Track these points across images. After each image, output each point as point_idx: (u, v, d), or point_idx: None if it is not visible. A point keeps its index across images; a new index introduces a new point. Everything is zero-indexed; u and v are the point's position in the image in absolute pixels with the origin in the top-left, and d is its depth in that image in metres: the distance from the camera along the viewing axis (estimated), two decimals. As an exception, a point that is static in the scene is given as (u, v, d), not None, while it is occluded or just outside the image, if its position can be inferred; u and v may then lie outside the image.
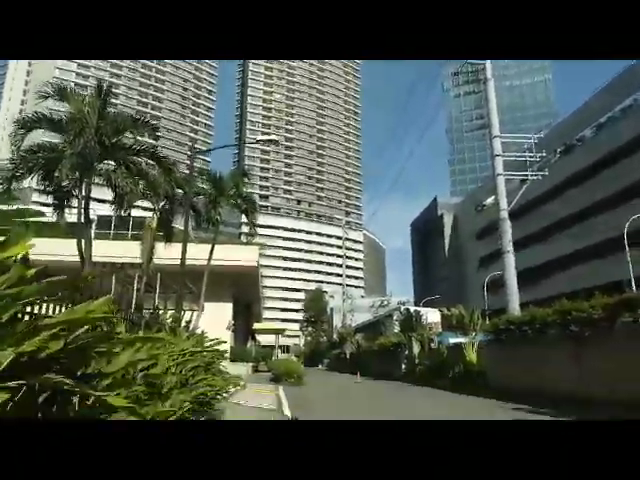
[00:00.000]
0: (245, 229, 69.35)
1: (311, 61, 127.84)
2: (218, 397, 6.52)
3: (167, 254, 19.51)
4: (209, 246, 21.43)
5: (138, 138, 12.91)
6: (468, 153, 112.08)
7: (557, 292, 25.98)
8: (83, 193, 12.48)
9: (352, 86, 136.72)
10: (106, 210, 23.95)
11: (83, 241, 13.16)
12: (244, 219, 71.12)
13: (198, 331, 7.99)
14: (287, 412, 9.44)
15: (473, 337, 19.09)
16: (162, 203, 15.47)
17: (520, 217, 31.15)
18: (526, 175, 19.29)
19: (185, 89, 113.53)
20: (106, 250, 20.32)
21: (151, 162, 13.39)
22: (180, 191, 15.56)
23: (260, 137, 24.65)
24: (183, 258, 10.77)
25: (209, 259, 18.05)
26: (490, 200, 46.09)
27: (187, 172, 14.22)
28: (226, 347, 21.42)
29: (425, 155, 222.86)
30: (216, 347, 7.05)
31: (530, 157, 19.24)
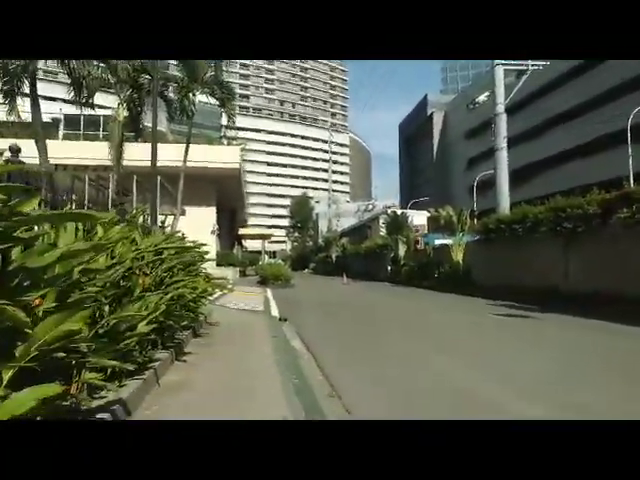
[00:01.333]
0: (228, 134, 66.21)
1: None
2: (202, 300, 6.11)
3: (142, 154, 18.39)
4: (189, 147, 20.23)
5: None
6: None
7: (550, 191, 25.69)
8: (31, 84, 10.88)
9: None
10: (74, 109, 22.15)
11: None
12: (224, 122, 67.55)
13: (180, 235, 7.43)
14: (275, 313, 9.26)
15: (460, 238, 19.01)
16: (128, 92, 13.81)
17: (515, 113, 29.61)
18: (526, 66, 17.89)
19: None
20: (78, 151, 19.01)
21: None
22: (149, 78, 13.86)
23: None
24: (154, 157, 9.75)
25: (185, 157, 16.62)
26: (483, 97, 44.11)
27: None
28: (211, 251, 21.24)
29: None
30: (198, 249, 6.51)
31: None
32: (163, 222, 9.25)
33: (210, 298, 10.13)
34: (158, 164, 17.78)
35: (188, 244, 6.60)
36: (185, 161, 16.10)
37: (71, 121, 22.38)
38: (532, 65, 17.74)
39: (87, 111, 13.88)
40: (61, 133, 22.55)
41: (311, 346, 5.70)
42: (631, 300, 9.07)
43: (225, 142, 34.06)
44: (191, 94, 15.63)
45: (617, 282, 9.96)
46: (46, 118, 25.12)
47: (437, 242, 23.86)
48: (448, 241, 20.55)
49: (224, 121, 74.31)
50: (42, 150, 11.05)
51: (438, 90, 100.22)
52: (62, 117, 22.96)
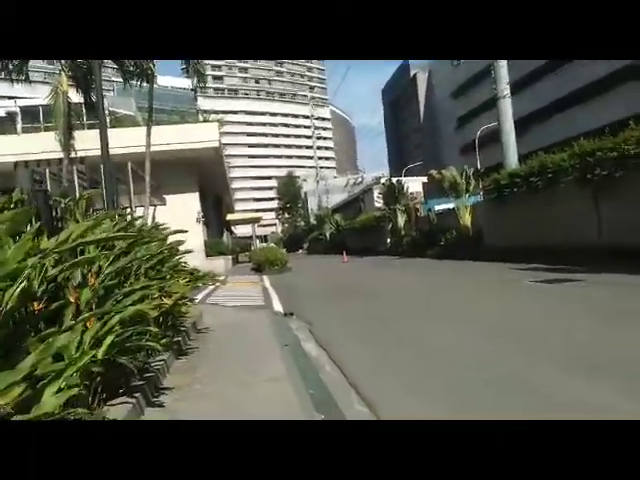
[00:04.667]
0: (201, 105, 62.67)
1: None
2: (181, 305, 4.60)
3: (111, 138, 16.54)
4: (161, 128, 18.38)
5: None
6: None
7: (550, 142, 24.20)
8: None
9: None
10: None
11: None
12: (201, 106, 64.60)
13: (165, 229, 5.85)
14: (278, 307, 7.77)
15: (466, 199, 17.58)
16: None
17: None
18: None
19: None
20: (39, 144, 17.09)
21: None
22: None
23: None
24: (103, 138, 7.91)
25: (148, 131, 14.30)
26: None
27: None
28: (198, 240, 19.64)
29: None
30: (173, 239, 4.96)
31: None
32: (128, 215, 7.62)
33: (198, 297, 8.66)
34: (128, 150, 16.07)
35: (158, 233, 5.05)
36: (149, 137, 13.97)
37: (30, 113, 20.32)
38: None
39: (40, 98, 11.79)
40: (19, 127, 20.52)
41: (335, 353, 4.25)
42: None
43: (201, 119, 31.86)
44: None
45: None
46: (1, 112, 23.13)
47: (438, 207, 22.60)
48: (450, 205, 19.23)
49: (201, 105, 71.48)
50: None
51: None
52: (18, 110, 20.91)
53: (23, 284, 1.80)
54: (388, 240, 26.24)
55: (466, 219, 17.24)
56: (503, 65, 15.87)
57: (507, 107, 15.95)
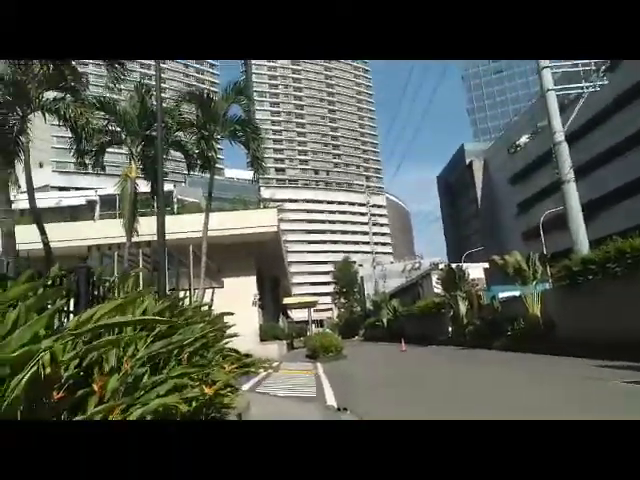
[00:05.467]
0: (264, 194, 65.84)
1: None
2: (224, 396, 4.23)
3: (173, 226, 17.45)
4: (223, 214, 19.27)
5: None
6: (487, 100, 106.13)
7: (619, 229, 22.78)
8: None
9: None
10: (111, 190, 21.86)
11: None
12: (263, 195, 68.30)
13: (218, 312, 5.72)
14: (331, 400, 7.16)
15: (534, 286, 16.43)
16: (139, 145, 12.56)
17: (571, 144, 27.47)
18: (581, 88, 16.13)
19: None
20: (113, 229, 18.30)
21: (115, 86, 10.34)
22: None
23: None
24: (160, 223, 8.08)
25: (206, 217, 14.83)
26: (524, 139, 42.31)
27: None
28: (253, 325, 19.51)
29: (442, 108, 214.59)
30: (218, 321, 4.76)
31: (585, 66, 16.01)
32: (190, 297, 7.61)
33: (248, 384, 8.25)
34: (191, 235, 16.79)
35: (205, 315, 4.87)
36: (207, 220, 14.46)
37: (108, 201, 22.22)
38: (587, 88, 15.89)
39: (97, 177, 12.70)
40: (97, 214, 22.35)
41: None
42: None
43: (262, 206, 33.39)
44: (209, 136, 13.98)
45: None
46: (81, 201, 25.48)
47: (502, 295, 21.40)
48: (516, 292, 18.06)
49: (263, 195, 75.60)
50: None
51: (469, 136, 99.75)
52: (98, 198, 22.93)
53: (33, 370, 1.57)
54: (449, 328, 24.82)
55: (535, 308, 15.98)
56: (565, 148, 15.52)
57: (572, 191, 15.31)
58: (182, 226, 17.14)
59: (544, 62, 15.73)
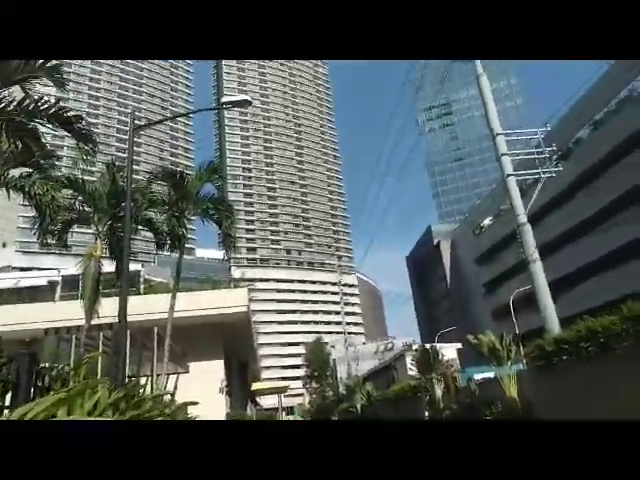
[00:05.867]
0: (235, 274, 65.08)
1: (287, 104, 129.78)
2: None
3: (139, 307, 16.66)
4: (192, 294, 18.67)
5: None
6: (451, 184, 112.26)
7: (590, 305, 23.29)
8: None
9: (328, 131, 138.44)
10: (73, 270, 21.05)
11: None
12: (234, 275, 67.50)
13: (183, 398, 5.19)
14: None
15: (509, 367, 16.17)
16: (107, 223, 12.19)
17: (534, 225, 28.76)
18: (537, 174, 17.19)
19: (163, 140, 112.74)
20: (73, 311, 17.35)
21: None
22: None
23: (226, 99, 11.56)
24: (122, 302, 7.69)
25: (173, 295, 14.38)
26: (487, 221, 44.22)
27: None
28: (220, 414, 18.16)
29: (411, 191, 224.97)
30: (180, 413, 4.29)
31: (539, 154, 17.19)
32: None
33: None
34: (158, 316, 16.05)
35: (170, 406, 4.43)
36: (172, 305, 13.87)
37: (70, 282, 21.33)
38: (544, 174, 16.96)
39: (62, 257, 12.25)
40: (58, 295, 21.32)
41: None
42: None
43: (232, 286, 32.77)
44: (180, 214, 13.73)
45: None
46: (43, 282, 24.41)
47: (477, 377, 20.98)
48: (491, 374, 17.71)
49: (234, 274, 74.82)
50: None
51: (435, 218, 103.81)
52: (60, 278, 22.03)
53: None
54: (426, 413, 23.82)
55: (512, 390, 15.58)
56: (528, 229, 16.15)
57: (539, 270, 15.71)
58: (148, 307, 16.44)
59: (503, 149, 16.85)
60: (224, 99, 9.95)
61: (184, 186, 13.52)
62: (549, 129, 18.02)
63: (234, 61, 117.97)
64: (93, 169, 12.90)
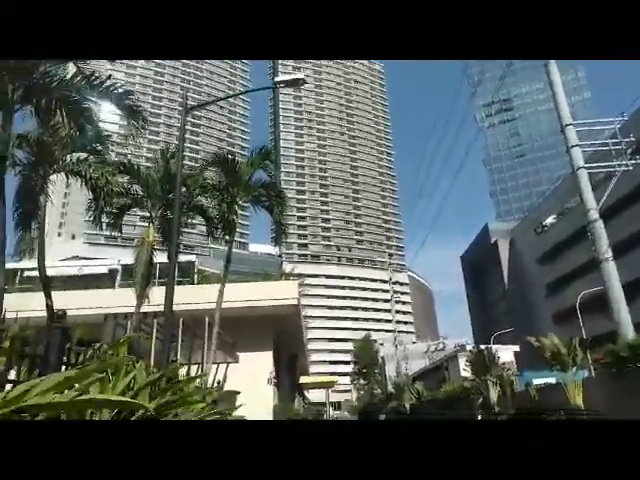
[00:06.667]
0: (286, 269, 65.49)
1: (341, 101, 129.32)
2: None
3: (193, 296, 16.94)
4: (243, 285, 18.81)
5: None
6: (510, 182, 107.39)
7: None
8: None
9: (383, 129, 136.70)
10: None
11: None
12: (286, 269, 68.25)
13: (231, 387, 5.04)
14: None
15: (574, 373, 15.03)
16: (159, 209, 12.30)
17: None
18: (612, 166, 15.81)
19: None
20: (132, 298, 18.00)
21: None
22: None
23: (281, 78, 10.79)
24: (169, 292, 7.67)
25: (221, 288, 14.24)
26: (551, 219, 41.83)
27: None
28: (266, 405, 18.20)
29: (465, 189, 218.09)
30: (224, 399, 4.08)
31: (615, 145, 15.79)
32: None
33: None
34: (209, 305, 16.25)
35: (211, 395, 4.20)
36: (221, 292, 13.85)
37: (130, 270, 22.18)
38: (619, 167, 15.57)
39: (125, 249, 12.51)
40: (117, 282, 22.19)
41: None
42: None
43: (283, 279, 32.90)
44: (232, 200, 13.47)
45: None
46: (104, 270, 25.54)
47: (536, 381, 19.82)
48: (552, 379, 16.63)
49: (286, 269, 75.65)
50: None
51: (492, 216, 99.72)
52: (119, 267, 22.92)
53: None
54: (479, 417, 22.82)
55: (577, 398, 14.48)
56: (600, 226, 14.89)
57: (612, 270, 14.45)
58: (200, 297, 16.68)
59: (573, 140, 15.63)
60: (278, 78, 9.70)
61: (235, 171, 13.34)
62: (626, 119, 16.45)
63: (290, 60, 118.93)
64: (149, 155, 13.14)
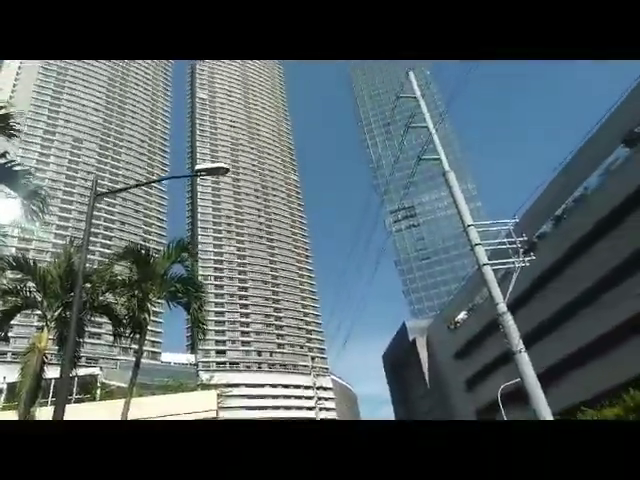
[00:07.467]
0: (203, 378, 60.15)
1: (259, 207, 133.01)
2: None
3: (95, 412, 14.78)
4: (158, 398, 16.98)
5: None
6: (420, 282, 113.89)
7: (578, 400, 22.18)
8: None
9: (299, 232, 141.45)
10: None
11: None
12: (203, 378, 63.23)
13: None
14: None
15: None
16: (57, 310, 10.68)
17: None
18: (512, 263, 17.32)
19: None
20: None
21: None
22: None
23: (201, 166, 9.54)
24: (58, 414, 6.42)
25: (127, 402, 12.51)
26: (462, 315, 44.03)
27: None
28: None
29: (381, 289, 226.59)
30: None
31: (510, 243, 17.49)
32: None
33: None
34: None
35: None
36: (128, 403, 12.14)
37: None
38: (518, 263, 17.12)
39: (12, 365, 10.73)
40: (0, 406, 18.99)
41: None
42: None
43: (199, 389, 30.20)
44: (144, 297, 12.08)
45: None
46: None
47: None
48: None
49: (203, 378, 70.12)
50: None
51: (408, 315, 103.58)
52: (4, 386, 19.83)
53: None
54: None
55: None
56: (510, 318, 15.78)
57: (526, 362, 15.05)
58: (103, 414, 14.66)
59: (476, 239, 17.08)
60: (198, 166, 9.44)
61: (149, 265, 12.37)
62: (517, 220, 18.57)
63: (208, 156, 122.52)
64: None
